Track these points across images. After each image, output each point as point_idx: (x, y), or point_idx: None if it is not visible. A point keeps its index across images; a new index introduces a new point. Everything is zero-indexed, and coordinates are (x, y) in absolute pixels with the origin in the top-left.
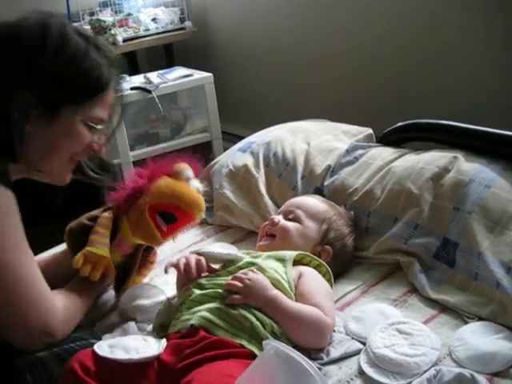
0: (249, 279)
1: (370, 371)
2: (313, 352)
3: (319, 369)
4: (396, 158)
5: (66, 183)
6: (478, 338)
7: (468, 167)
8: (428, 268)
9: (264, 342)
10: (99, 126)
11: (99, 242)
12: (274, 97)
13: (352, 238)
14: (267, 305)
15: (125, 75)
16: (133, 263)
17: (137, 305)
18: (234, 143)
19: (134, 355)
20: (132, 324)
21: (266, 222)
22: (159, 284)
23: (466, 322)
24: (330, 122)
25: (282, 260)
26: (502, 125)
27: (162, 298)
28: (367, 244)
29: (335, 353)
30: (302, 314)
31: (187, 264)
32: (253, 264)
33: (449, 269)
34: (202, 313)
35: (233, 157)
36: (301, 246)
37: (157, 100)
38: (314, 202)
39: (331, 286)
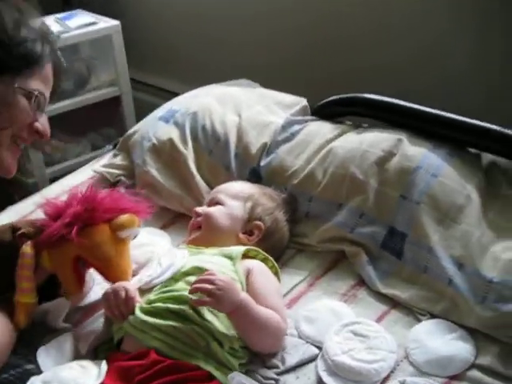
0: (220, 280)
1: (329, 380)
2: (267, 359)
3: (276, 380)
4: (336, 137)
5: (12, 175)
6: (434, 339)
7: (413, 152)
8: (374, 258)
9: (229, 376)
10: (37, 92)
11: (29, 289)
12: (193, 48)
13: (282, 212)
14: (237, 310)
15: None
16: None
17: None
18: (145, 93)
19: None
20: (68, 337)
21: (193, 218)
22: None
23: (419, 320)
24: (261, 89)
25: (229, 257)
26: (446, 108)
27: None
28: (309, 230)
29: (291, 359)
30: (266, 318)
31: (115, 305)
32: (199, 269)
33: (396, 260)
34: (153, 333)
35: (155, 127)
36: (228, 227)
37: (59, 53)
38: (236, 183)
39: (279, 280)
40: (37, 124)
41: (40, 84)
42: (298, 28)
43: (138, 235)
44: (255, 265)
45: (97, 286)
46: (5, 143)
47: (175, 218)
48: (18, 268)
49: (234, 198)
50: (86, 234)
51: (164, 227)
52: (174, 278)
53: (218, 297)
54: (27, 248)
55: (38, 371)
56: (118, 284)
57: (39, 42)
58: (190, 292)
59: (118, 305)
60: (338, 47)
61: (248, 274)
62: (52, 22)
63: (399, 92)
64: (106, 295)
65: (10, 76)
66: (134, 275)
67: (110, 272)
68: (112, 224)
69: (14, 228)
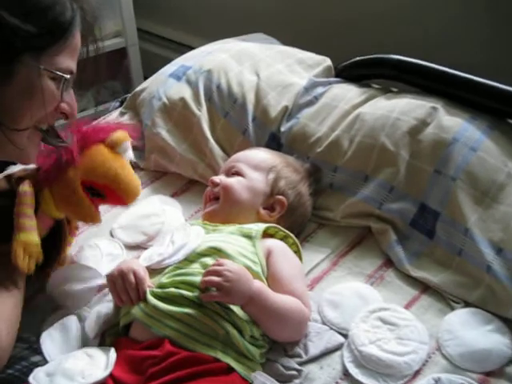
0: (229, 271)
1: (356, 373)
2: (288, 347)
3: (299, 371)
4: (363, 102)
5: (32, 162)
6: (469, 330)
7: (450, 122)
8: (403, 237)
9: (252, 375)
10: (67, 75)
11: (30, 226)
12: None
13: (306, 185)
14: (251, 302)
15: None
16: (61, 236)
17: (66, 290)
18: (153, 44)
19: (81, 382)
20: (73, 319)
21: (209, 187)
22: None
23: (452, 307)
24: (280, 45)
25: (248, 236)
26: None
27: (99, 281)
28: (332, 203)
29: (314, 349)
30: (285, 309)
31: (123, 290)
32: (216, 250)
33: (427, 240)
34: (166, 321)
35: (165, 85)
36: (249, 201)
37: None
38: (257, 152)
39: (300, 259)
40: (63, 105)
41: (68, 58)
42: None
43: (131, 156)
44: (276, 245)
45: (106, 257)
46: (27, 134)
47: (187, 185)
48: (17, 207)
49: (256, 169)
50: (86, 157)
51: (175, 195)
52: (188, 259)
53: (226, 289)
54: (24, 187)
55: (45, 363)
56: (126, 265)
57: (68, 3)
58: (201, 286)
59: (125, 289)
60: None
61: (268, 255)
62: None
63: (430, 56)
64: (111, 277)
65: (33, 55)
66: (143, 248)
67: (122, 189)
68: (107, 142)
69: (9, 176)
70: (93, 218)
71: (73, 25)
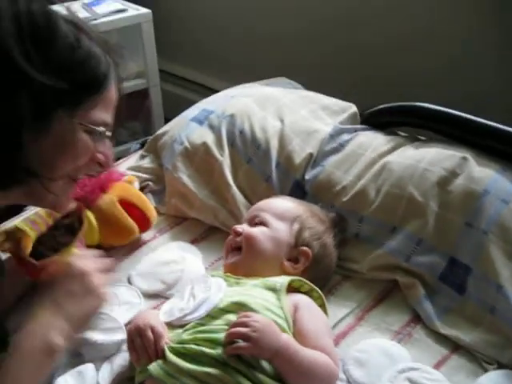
0: (256, 321)
1: None
2: None
3: None
4: (390, 150)
5: (66, 210)
6: None
7: (480, 174)
8: (432, 292)
9: None
10: (101, 129)
11: (33, 221)
12: (226, 41)
13: (331, 236)
14: (278, 355)
15: None
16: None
17: (85, 338)
18: (174, 85)
19: None
20: (90, 367)
21: (231, 236)
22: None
23: (485, 368)
24: (304, 91)
25: (272, 289)
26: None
27: (120, 336)
28: (358, 255)
29: None
30: (315, 363)
31: (141, 348)
32: (240, 305)
33: (458, 295)
34: (185, 380)
35: (187, 129)
36: (272, 252)
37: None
38: (281, 201)
39: (325, 313)
40: (98, 155)
41: (103, 111)
42: (342, 24)
43: None
44: (302, 300)
45: (123, 305)
46: (61, 185)
47: (207, 232)
48: None
49: (280, 219)
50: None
51: (195, 242)
52: (211, 315)
53: (254, 340)
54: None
55: None
56: (143, 321)
57: (102, 57)
58: (226, 342)
59: (144, 347)
60: (386, 47)
61: (295, 311)
62: (79, 8)
63: (455, 103)
64: (129, 335)
65: (67, 110)
66: (161, 297)
67: (145, 203)
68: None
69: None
70: (132, 231)
71: (107, 78)
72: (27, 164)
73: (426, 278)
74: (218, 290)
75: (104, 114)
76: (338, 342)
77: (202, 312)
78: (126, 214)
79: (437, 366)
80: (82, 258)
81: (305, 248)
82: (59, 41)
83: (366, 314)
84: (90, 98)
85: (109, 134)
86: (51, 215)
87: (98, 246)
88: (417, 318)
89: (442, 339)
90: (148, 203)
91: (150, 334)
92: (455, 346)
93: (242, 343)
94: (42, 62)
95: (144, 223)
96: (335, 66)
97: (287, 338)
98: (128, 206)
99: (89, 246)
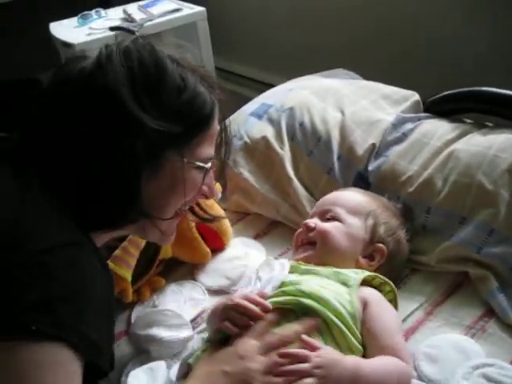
0: (317, 355)
1: None
2: None
3: None
4: (457, 138)
5: (170, 242)
6: None
7: None
8: (506, 284)
9: None
10: (209, 165)
11: (124, 260)
12: (281, 35)
13: (404, 231)
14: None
15: (99, 9)
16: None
17: (151, 334)
18: (229, 81)
19: None
20: (162, 365)
21: (300, 230)
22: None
23: None
24: (363, 80)
25: (345, 284)
26: None
27: (187, 332)
28: (426, 247)
29: None
30: (387, 375)
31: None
32: (307, 295)
33: None
34: None
35: (246, 124)
36: (348, 249)
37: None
38: (352, 194)
39: (396, 308)
40: (204, 187)
41: (209, 147)
42: (398, 17)
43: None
44: (373, 296)
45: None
46: (168, 223)
47: (269, 227)
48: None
49: (353, 214)
50: None
51: (258, 237)
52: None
53: (321, 377)
54: None
55: None
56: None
57: (206, 95)
58: (285, 375)
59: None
60: (443, 36)
61: (365, 306)
62: (134, 10)
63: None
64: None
65: (176, 150)
66: (226, 293)
67: (222, 226)
68: None
69: None
70: (205, 256)
71: (212, 116)
72: (141, 205)
73: (498, 270)
74: (282, 268)
75: (209, 149)
76: (407, 337)
77: (269, 289)
78: (200, 239)
79: None
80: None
81: (380, 245)
82: (168, 85)
83: (436, 309)
84: (197, 137)
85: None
86: (138, 247)
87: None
88: (490, 312)
89: None
90: (225, 227)
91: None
92: None
93: (307, 380)
94: (154, 108)
95: (219, 245)
96: (391, 56)
97: (354, 363)
98: (205, 228)
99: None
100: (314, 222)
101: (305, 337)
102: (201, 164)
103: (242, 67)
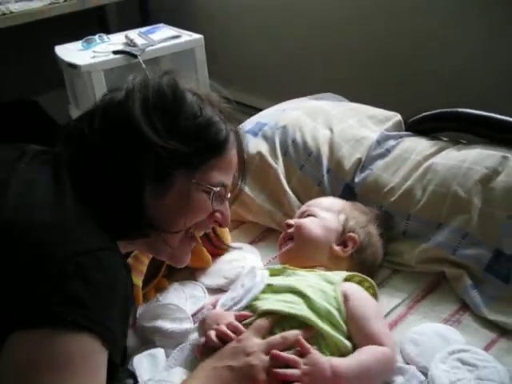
0: (305, 364)
1: None
2: None
3: None
4: (435, 153)
5: (185, 264)
6: None
7: None
8: (478, 282)
9: None
10: (218, 189)
11: (136, 268)
12: (274, 63)
13: (375, 226)
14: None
15: (102, 34)
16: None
17: (156, 326)
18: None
19: None
20: (161, 351)
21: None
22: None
23: None
24: (350, 103)
25: (330, 282)
26: None
27: (188, 326)
28: (406, 249)
29: None
30: (368, 367)
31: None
32: (295, 291)
33: (503, 284)
34: None
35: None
36: (322, 237)
37: (144, 66)
38: (327, 198)
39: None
40: (216, 214)
41: (221, 174)
42: (383, 40)
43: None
44: (352, 288)
45: (190, 299)
46: (177, 240)
47: (264, 234)
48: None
49: (327, 210)
50: None
51: (253, 243)
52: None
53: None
54: None
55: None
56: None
57: (222, 125)
58: (277, 377)
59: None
60: (424, 60)
61: (346, 299)
62: (135, 36)
63: (493, 106)
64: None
65: (186, 171)
66: (223, 291)
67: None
68: None
69: None
70: (206, 263)
71: (225, 145)
72: (150, 219)
73: (472, 270)
74: (261, 281)
75: (222, 176)
76: (390, 329)
77: (249, 299)
78: (202, 248)
79: (486, 349)
80: (253, 331)
81: (352, 234)
82: (184, 111)
83: (416, 304)
84: (208, 161)
85: (228, 195)
86: (148, 256)
87: None
88: (465, 307)
89: (489, 325)
90: (226, 234)
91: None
92: (503, 331)
93: None
94: (166, 129)
95: (219, 251)
96: (375, 80)
97: (335, 365)
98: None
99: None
100: (293, 220)
101: (301, 339)
102: (209, 186)
103: (236, 93)
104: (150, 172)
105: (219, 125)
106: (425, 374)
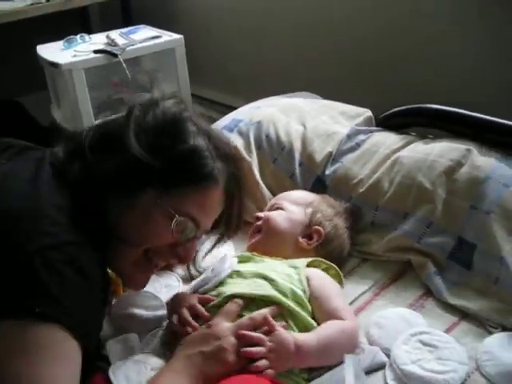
0: (271, 341)
1: None
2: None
3: None
4: (402, 147)
5: (140, 289)
6: (507, 352)
7: (483, 162)
8: (442, 269)
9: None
10: (181, 218)
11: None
12: (250, 62)
13: (342, 218)
14: (296, 363)
15: (84, 34)
16: None
17: (131, 313)
18: (205, 108)
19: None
20: (134, 336)
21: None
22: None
23: (490, 332)
24: (323, 100)
25: (294, 267)
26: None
27: (161, 312)
28: (374, 239)
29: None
30: (330, 340)
31: (182, 323)
32: (261, 276)
33: (465, 271)
34: None
35: None
36: (288, 230)
37: (124, 65)
38: (297, 191)
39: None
40: (179, 248)
41: (194, 207)
42: (356, 41)
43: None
44: (314, 272)
45: (164, 288)
46: (134, 256)
47: None
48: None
49: (295, 204)
50: None
51: None
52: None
53: (272, 359)
54: None
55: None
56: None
57: (210, 160)
58: (244, 355)
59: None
60: (396, 59)
61: (309, 280)
62: (117, 36)
63: (461, 102)
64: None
65: (158, 190)
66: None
67: None
68: None
69: None
70: None
71: (207, 179)
72: (112, 226)
73: (436, 257)
74: (229, 267)
75: (194, 209)
76: (356, 314)
77: (215, 282)
78: None
79: (447, 331)
80: (223, 315)
81: (317, 227)
82: (176, 134)
83: (383, 291)
84: (181, 187)
85: (198, 234)
86: None
87: None
88: (429, 293)
89: (451, 309)
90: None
91: (186, 313)
92: (463, 315)
93: (261, 362)
94: (150, 143)
95: None
96: (349, 79)
97: (299, 341)
98: None
99: None
100: (262, 213)
101: (268, 317)
102: (172, 212)
103: (215, 93)
104: (120, 179)
105: (206, 159)
106: (387, 355)
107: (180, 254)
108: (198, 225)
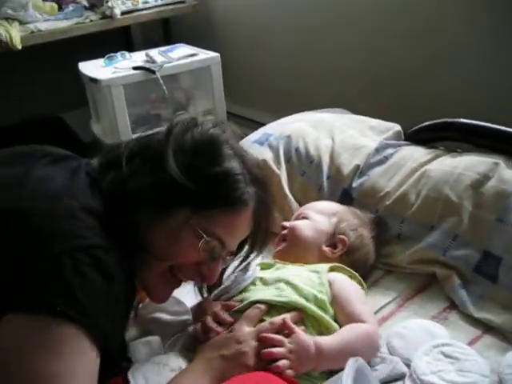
0: (290, 343)
1: None
2: None
3: None
4: (430, 160)
5: (162, 303)
6: None
7: (510, 176)
8: (467, 282)
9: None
10: (209, 238)
11: None
12: (283, 80)
13: (368, 229)
14: (317, 364)
15: (124, 52)
16: None
17: (155, 318)
18: (239, 125)
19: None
20: (157, 339)
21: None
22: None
23: None
24: (353, 115)
25: (316, 271)
26: None
27: (185, 317)
28: (399, 251)
29: (379, 373)
30: (350, 343)
31: (206, 328)
32: (284, 281)
33: (491, 284)
34: None
35: (249, 149)
36: (313, 239)
37: (161, 81)
38: (322, 202)
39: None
40: (204, 267)
41: (222, 229)
42: (385, 55)
43: None
44: (336, 275)
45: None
46: (159, 270)
47: None
48: None
49: (320, 213)
50: None
51: None
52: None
53: (292, 360)
54: None
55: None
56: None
57: (243, 184)
58: (264, 356)
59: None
60: (425, 73)
61: (331, 284)
62: (155, 54)
63: (489, 116)
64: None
65: (189, 210)
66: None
67: None
68: None
69: None
70: None
71: (238, 203)
72: (140, 237)
73: (461, 270)
74: (250, 276)
75: (221, 231)
76: (380, 324)
77: (238, 289)
78: None
79: (470, 344)
80: (245, 320)
81: (342, 236)
82: (212, 157)
83: (407, 302)
84: (212, 210)
85: (223, 255)
86: None
87: None
88: (453, 306)
89: (474, 322)
90: None
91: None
92: (487, 328)
93: (282, 361)
94: (186, 165)
95: None
96: (380, 94)
97: (319, 343)
98: None
99: None
100: (288, 222)
101: (287, 320)
102: (201, 232)
103: (250, 110)
104: (155, 195)
105: (239, 183)
106: (408, 366)
107: (204, 272)
108: (224, 246)
